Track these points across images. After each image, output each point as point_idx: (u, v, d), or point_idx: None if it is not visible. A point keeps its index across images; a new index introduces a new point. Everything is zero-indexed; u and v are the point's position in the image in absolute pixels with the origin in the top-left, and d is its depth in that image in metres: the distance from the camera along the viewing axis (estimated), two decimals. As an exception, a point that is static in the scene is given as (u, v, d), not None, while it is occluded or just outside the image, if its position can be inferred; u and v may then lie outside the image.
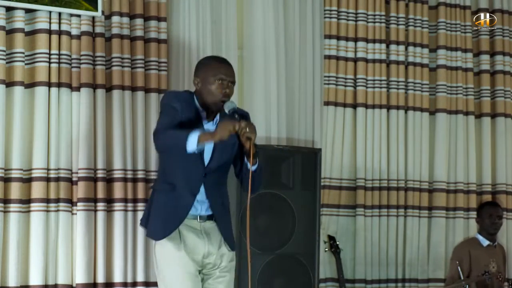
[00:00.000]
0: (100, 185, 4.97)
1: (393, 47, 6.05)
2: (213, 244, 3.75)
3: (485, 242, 5.65)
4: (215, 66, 3.70)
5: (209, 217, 3.76)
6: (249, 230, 3.68)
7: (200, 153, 3.68)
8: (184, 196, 3.70)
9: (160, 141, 3.61)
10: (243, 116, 3.68)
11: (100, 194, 4.96)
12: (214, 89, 3.67)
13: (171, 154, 3.69)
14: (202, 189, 3.73)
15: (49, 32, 4.94)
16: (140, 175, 5.09)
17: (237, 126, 3.48)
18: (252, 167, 3.66)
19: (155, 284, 5.04)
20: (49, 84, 4.92)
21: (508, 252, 6.18)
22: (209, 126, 3.72)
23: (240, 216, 4.92)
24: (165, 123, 3.62)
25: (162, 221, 3.69)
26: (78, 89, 5.00)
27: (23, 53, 4.89)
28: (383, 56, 5.99)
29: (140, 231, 5.05)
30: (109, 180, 5.04)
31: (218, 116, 3.77)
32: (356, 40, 5.95)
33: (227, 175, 3.88)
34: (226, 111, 3.68)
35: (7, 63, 4.86)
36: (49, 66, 4.93)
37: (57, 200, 4.88)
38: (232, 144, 3.74)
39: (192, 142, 3.45)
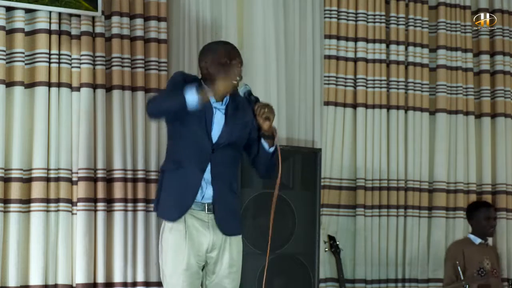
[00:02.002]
0: (100, 185, 4.96)
1: (393, 47, 6.05)
2: (217, 235, 3.75)
3: (477, 240, 5.64)
4: (224, 48, 3.76)
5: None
6: (272, 218, 3.80)
7: (207, 129, 3.69)
8: (193, 173, 3.68)
9: (154, 103, 3.65)
10: (257, 98, 3.70)
11: (100, 194, 4.96)
12: (225, 70, 3.70)
13: (174, 130, 3.71)
14: (208, 167, 3.71)
15: (49, 32, 4.94)
16: (140, 175, 5.08)
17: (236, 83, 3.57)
18: (270, 149, 3.71)
19: (155, 284, 5.07)
20: (49, 84, 4.92)
21: (509, 252, 6.19)
22: (218, 105, 3.74)
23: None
24: (162, 91, 3.64)
25: (174, 201, 3.69)
26: (78, 89, 5.00)
27: (23, 53, 4.89)
28: (383, 56, 5.99)
29: (141, 231, 5.05)
30: (109, 180, 5.03)
31: (228, 97, 3.77)
32: (356, 40, 5.95)
33: (239, 159, 3.86)
34: (241, 93, 3.70)
35: (7, 63, 4.86)
36: (49, 66, 4.93)
37: (57, 200, 4.88)
38: (244, 122, 3.77)
39: (191, 94, 3.51)
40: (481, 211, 5.65)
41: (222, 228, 3.76)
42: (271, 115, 3.60)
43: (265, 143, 3.73)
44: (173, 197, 3.69)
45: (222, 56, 3.73)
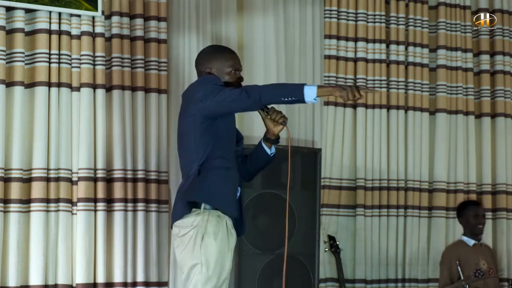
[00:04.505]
0: (100, 185, 4.96)
1: (393, 47, 6.05)
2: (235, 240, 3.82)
3: (471, 242, 5.64)
4: (230, 57, 3.86)
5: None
6: (287, 221, 3.81)
7: (232, 134, 3.81)
8: (235, 173, 3.80)
9: (266, 91, 3.60)
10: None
11: (100, 194, 4.96)
12: (229, 78, 3.81)
13: (217, 130, 3.71)
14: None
15: (49, 32, 4.94)
16: (140, 175, 5.08)
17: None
18: (270, 151, 3.85)
19: (155, 284, 5.08)
20: (49, 84, 4.91)
21: (509, 252, 6.19)
22: None
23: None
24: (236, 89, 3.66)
25: (232, 198, 3.76)
26: (78, 89, 4.99)
27: (23, 53, 4.88)
28: (383, 56, 6.00)
29: (140, 231, 5.05)
30: (109, 180, 5.03)
31: None
32: (356, 40, 5.95)
33: None
34: None
35: (7, 63, 4.85)
36: (49, 66, 4.92)
37: (57, 200, 4.88)
38: None
39: (310, 91, 3.52)
40: (469, 209, 5.65)
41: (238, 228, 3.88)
42: (286, 120, 3.78)
43: (266, 147, 3.85)
44: (231, 194, 3.76)
45: (227, 65, 3.82)
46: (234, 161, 3.79)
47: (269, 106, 3.78)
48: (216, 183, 3.71)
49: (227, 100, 3.61)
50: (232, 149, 3.80)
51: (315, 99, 3.54)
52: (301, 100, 3.54)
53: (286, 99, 3.56)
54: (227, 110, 3.70)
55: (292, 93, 3.55)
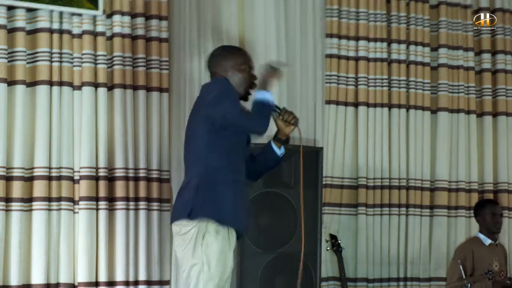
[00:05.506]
0: (102, 184, 4.96)
1: (394, 45, 6.05)
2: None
3: (487, 241, 5.64)
4: (242, 54, 3.93)
5: None
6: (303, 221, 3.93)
7: (243, 140, 3.84)
8: (245, 188, 3.84)
9: (262, 121, 3.73)
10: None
11: (102, 192, 4.96)
12: (244, 76, 3.87)
13: (230, 142, 3.75)
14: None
15: (51, 31, 4.94)
16: (142, 173, 5.08)
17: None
18: (280, 151, 3.93)
19: (157, 282, 5.08)
20: (50, 83, 4.92)
21: (510, 251, 6.18)
22: None
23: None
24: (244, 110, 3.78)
25: (242, 213, 3.77)
26: (79, 88, 5.00)
27: (24, 52, 4.89)
28: (385, 55, 6.00)
29: (142, 229, 5.05)
30: (110, 179, 5.03)
31: None
32: (357, 38, 5.95)
33: None
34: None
35: (8, 62, 4.85)
36: (51, 65, 4.93)
37: (59, 199, 4.88)
38: None
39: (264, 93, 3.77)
40: (486, 208, 5.65)
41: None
42: (297, 120, 3.88)
43: (276, 147, 3.91)
44: (242, 210, 3.76)
45: (240, 63, 3.87)
46: (244, 173, 3.79)
47: (281, 107, 3.86)
48: (226, 200, 3.68)
49: (231, 115, 3.69)
50: (243, 158, 3.79)
51: (271, 95, 3.73)
52: (270, 103, 3.73)
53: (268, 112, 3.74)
54: (231, 125, 3.74)
55: (266, 107, 3.72)
